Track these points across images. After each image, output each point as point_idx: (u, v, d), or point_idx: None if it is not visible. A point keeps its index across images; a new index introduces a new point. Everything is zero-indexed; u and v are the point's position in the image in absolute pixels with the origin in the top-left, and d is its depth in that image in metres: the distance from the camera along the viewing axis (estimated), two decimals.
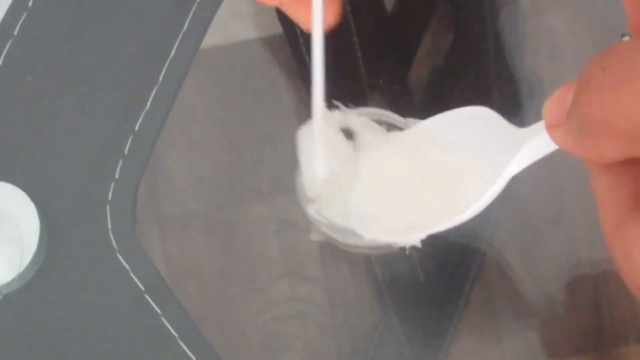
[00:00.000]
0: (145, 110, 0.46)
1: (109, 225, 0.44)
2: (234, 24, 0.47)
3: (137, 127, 0.46)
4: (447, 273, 0.44)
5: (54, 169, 0.45)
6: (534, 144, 0.33)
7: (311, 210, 0.40)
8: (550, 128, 0.29)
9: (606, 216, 0.30)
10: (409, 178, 0.38)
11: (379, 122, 0.41)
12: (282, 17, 0.47)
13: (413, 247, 0.37)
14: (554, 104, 0.29)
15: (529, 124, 0.35)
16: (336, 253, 0.45)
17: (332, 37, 0.47)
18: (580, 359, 0.43)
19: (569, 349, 0.43)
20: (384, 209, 0.38)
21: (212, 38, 0.47)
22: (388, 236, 0.38)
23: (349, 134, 0.40)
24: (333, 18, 0.38)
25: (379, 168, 0.39)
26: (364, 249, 0.41)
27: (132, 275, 0.44)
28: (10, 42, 0.47)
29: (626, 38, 0.46)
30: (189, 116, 0.46)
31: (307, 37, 0.47)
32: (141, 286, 0.44)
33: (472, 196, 0.35)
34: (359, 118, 0.41)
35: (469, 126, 0.37)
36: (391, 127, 0.42)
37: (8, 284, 0.43)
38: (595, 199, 0.30)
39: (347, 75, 0.46)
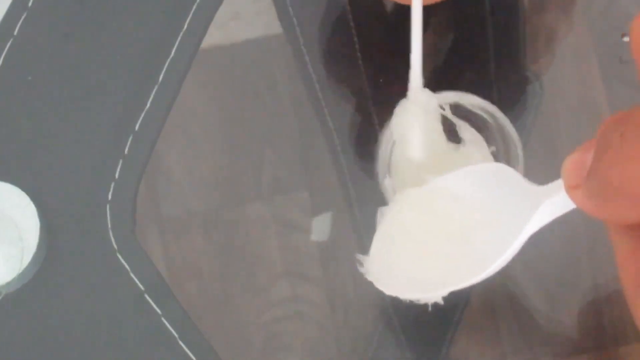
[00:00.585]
0: (145, 110, 0.46)
1: (109, 225, 0.44)
2: (234, 24, 0.47)
3: (137, 127, 0.46)
4: None
5: (54, 169, 0.45)
6: (552, 202, 0.33)
7: (387, 182, 0.41)
8: (569, 189, 0.29)
9: (628, 277, 0.29)
10: (427, 234, 0.38)
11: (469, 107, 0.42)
12: (282, 17, 0.47)
13: (435, 303, 0.37)
14: (573, 165, 0.29)
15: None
16: (336, 253, 0.45)
17: (332, 37, 0.47)
18: (580, 359, 0.43)
19: (569, 349, 0.43)
20: (402, 264, 0.38)
21: (212, 38, 0.47)
22: (409, 293, 0.38)
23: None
24: None
25: (397, 223, 0.39)
26: None
27: (132, 275, 0.44)
28: (10, 42, 0.47)
29: (626, 39, 0.46)
30: (189, 116, 0.46)
31: (307, 37, 0.47)
32: (141, 286, 0.44)
33: (491, 253, 0.35)
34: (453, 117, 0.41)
35: (488, 182, 0.37)
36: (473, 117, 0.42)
37: (8, 284, 0.43)
38: (616, 259, 0.30)
39: (347, 74, 0.46)
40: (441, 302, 0.37)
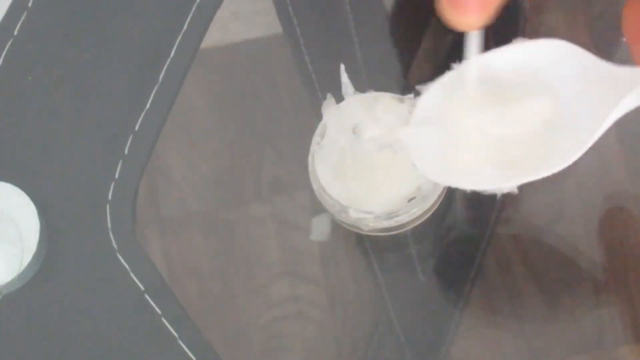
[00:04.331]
0: (145, 110, 0.46)
1: (109, 225, 0.44)
2: (234, 24, 0.48)
3: (137, 127, 0.46)
4: (447, 273, 0.44)
5: (54, 169, 0.45)
6: None
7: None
8: None
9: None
10: (492, 125, 0.35)
11: None
12: (282, 17, 0.47)
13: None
14: None
15: None
16: (336, 253, 0.45)
17: (332, 38, 0.47)
18: (580, 359, 0.43)
19: (569, 349, 0.43)
20: (460, 154, 0.36)
21: (212, 38, 0.47)
22: (474, 184, 0.35)
23: None
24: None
25: (460, 116, 0.37)
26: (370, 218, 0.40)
27: (132, 275, 0.44)
28: (10, 42, 0.47)
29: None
30: (189, 116, 0.46)
31: (306, 37, 0.47)
32: (141, 286, 0.44)
33: (567, 141, 0.33)
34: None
35: (544, 62, 0.35)
36: None
37: (8, 284, 0.43)
38: None
39: (347, 75, 0.46)
40: (516, 191, 0.34)
